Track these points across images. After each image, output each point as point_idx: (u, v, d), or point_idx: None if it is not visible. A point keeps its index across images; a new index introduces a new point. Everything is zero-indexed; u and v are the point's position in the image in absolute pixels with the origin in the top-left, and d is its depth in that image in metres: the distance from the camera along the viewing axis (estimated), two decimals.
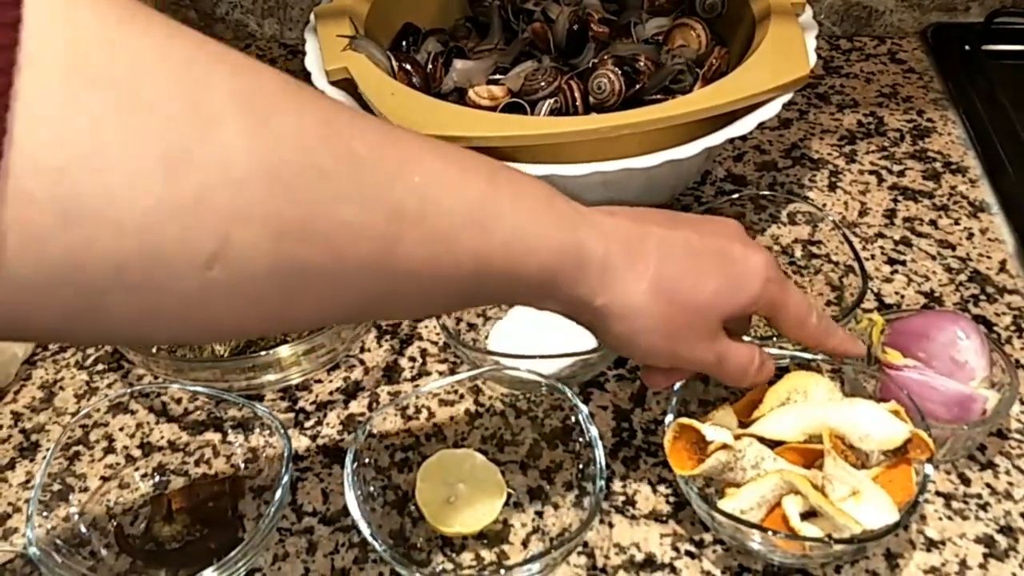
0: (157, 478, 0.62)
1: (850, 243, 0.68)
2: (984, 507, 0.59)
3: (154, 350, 0.66)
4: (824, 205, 0.81)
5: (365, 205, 0.38)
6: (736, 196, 0.73)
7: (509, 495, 0.60)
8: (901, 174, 0.84)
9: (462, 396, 0.65)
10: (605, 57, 0.76)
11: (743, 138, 0.88)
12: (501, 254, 0.44)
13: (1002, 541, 0.57)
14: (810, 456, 0.55)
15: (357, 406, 0.67)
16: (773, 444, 0.56)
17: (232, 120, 0.34)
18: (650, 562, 0.57)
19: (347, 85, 0.73)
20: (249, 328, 0.46)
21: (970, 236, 0.78)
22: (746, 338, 0.58)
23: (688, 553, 0.58)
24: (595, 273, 0.47)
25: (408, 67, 0.75)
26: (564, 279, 0.46)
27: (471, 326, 0.70)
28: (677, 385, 0.59)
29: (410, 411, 0.64)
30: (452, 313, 0.67)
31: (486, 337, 0.69)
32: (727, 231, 0.52)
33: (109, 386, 0.69)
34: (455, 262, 0.42)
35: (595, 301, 0.47)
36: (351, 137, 0.38)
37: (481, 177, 0.44)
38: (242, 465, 0.62)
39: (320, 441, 0.65)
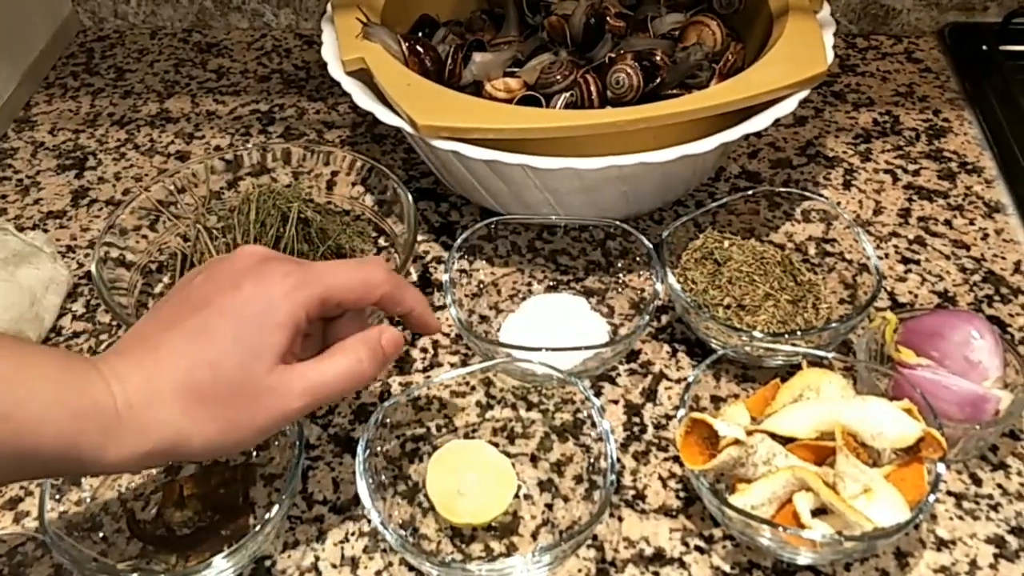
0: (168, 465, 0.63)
1: (864, 242, 0.68)
2: (995, 508, 0.59)
3: None
4: (839, 203, 0.81)
5: None
6: (750, 193, 0.73)
7: (519, 487, 0.60)
8: (916, 173, 0.84)
9: (473, 388, 0.65)
10: (623, 52, 0.76)
11: (758, 135, 0.88)
12: (3, 431, 0.41)
13: (1013, 542, 0.57)
14: (822, 453, 0.55)
15: (368, 396, 0.67)
16: (785, 440, 0.56)
17: None
18: (659, 556, 0.57)
19: (363, 76, 0.73)
20: None
21: (985, 236, 0.77)
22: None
23: (698, 548, 0.58)
24: (124, 428, 0.44)
25: (420, 49, 0.74)
26: (91, 445, 0.43)
27: (483, 318, 0.70)
28: (690, 379, 0.59)
29: (421, 402, 0.64)
30: None
31: (498, 329, 0.70)
32: (234, 275, 0.48)
33: None
34: None
35: (139, 452, 0.44)
36: None
37: None
38: (254, 453, 0.63)
39: (331, 430, 0.65)
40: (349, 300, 0.51)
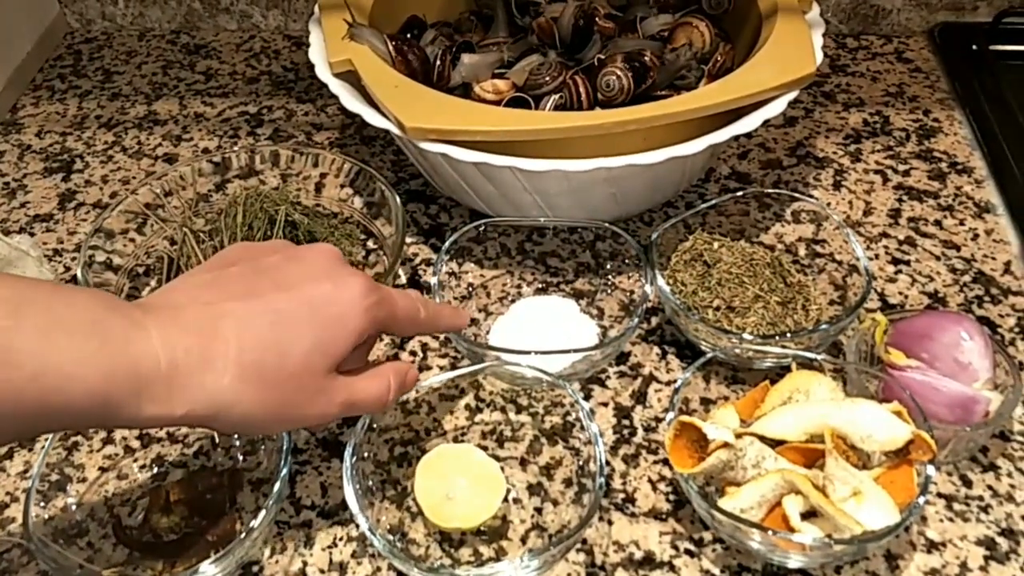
0: (155, 469, 0.62)
1: (854, 242, 0.67)
2: (986, 509, 0.59)
3: None
4: (829, 204, 0.81)
5: None
6: (740, 194, 0.73)
7: (508, 491, 0.59)
8: (906, 174, 0.84)
9: (463, 391, 0.65)
10: (613, 54, 0.75)
11: (748, 136, 0.88)
12: (32, 389, 0.40)
13: (1003, 543, 0.57)
14: (811, 456, 0.55)
15: None
16: (774, 443, 0.55)
17: None
18: (649, 560, 0.57)
19: (351, 77, 0.73)
20: None
21: (975, 237, 0.77)
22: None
23: (687, 552, 0.57)
24: (163, 387, 0.43)
25: (407, 50, 0.74)
26: (124, 402, 0.43)
27: (473, 321, 0.70)
28: (679, 382, 0.58)
29: (410, 405, 0.63)
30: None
31: (487, 332, 0.69)
32: (316, 268, 0.50)
33: None
34: None
35: (176, 413, 0.44)
36: None
37: (2, 310, 0.40)
38: (241, 457, 0.62)
39: (319, 434, 0.65)
40: (398, 328, 0.54)
